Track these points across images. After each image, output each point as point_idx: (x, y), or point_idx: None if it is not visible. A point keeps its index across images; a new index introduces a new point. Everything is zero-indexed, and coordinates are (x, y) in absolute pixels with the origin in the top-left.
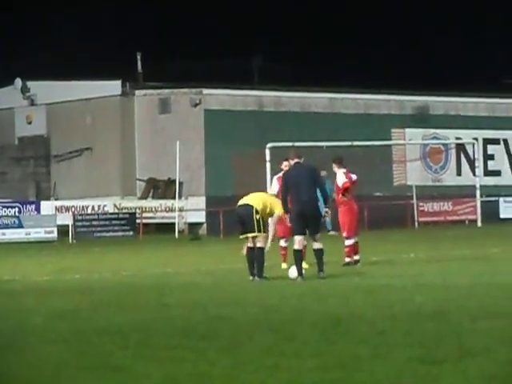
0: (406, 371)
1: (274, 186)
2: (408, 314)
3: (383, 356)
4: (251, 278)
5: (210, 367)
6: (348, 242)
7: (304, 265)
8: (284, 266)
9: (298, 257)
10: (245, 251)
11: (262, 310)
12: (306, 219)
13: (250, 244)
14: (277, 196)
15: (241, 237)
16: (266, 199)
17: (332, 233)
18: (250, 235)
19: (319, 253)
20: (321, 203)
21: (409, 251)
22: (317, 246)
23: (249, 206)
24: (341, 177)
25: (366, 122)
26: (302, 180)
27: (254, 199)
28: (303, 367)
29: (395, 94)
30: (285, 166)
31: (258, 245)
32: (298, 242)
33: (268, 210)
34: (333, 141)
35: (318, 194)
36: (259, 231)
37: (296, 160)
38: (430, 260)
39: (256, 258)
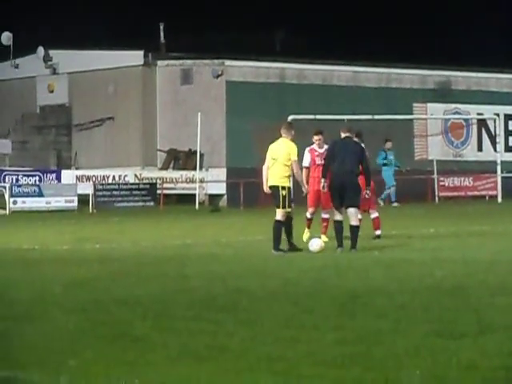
0: (424, 346)
1: (305, 157)
2: (427, 289)
3: (402, 330)
4: (274, 251)
5: (228, 339)
6: (374, 215)
7: (324, 238)
8: (324, 238)
9: (339, 227)
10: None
11: (281, 282)
12: (344, 191)
13: (279, 217)
14: (308, 168)
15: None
16: (286, 153)
17: (395, 204)
18: (278, 210)
19: (355, 229)
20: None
21: (429, 226)
22: (354, 222)
23: (275, 187)
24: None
25: (388, 95)
26: (347, 154)
27: (278, 172)
28: (322, 340)
29: (417, 69)
30: (316, 139)
31: (277, 218)
32: (338, 212)
33: (288, 157)
34: (354, 114)
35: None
36: (283, 207)
37: (347, 134)
38: (449, 235)
39: (274, 230)
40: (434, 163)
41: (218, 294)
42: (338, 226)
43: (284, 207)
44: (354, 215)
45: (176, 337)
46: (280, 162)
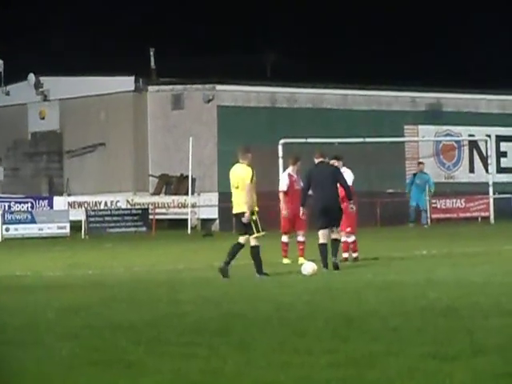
0: (418, 368)
1: (283, 181)
2: (421, 311)
3: (396, 353)
4: (258, 276)
5: (221, 363)
6: (352, 239)
7: (302, 260)
8: (286, 260)
9: (324, 250)
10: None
11: (274, 306)
12: (329, 214)
13: (242, 241)
14: (285, 192)
15: (241, 237)
16: (242, 178)
17: (411, 225)
18: (251, 237)
19: (336, 242)
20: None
21: (421, 248)
22: (335, 236)
23: (242, 214)
24: (349, 176)
25: (379, 118)
26: (325, 178)
27: (240, 200)
28: (315, 364)
29: (408, 91)
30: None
31: (252, 243)
32: (323, 235)
33: (245, 182)
34: (345, 137)
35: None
36: (258, 231)
37: (320, 159)
38: (442, 257)
39: (253, 256)
40: (426, 185)
41: (211, 319)
42: (323, 248)
43: (258, 231)
44: (335, 231)
45: (169, 362)
46: (242, 189)
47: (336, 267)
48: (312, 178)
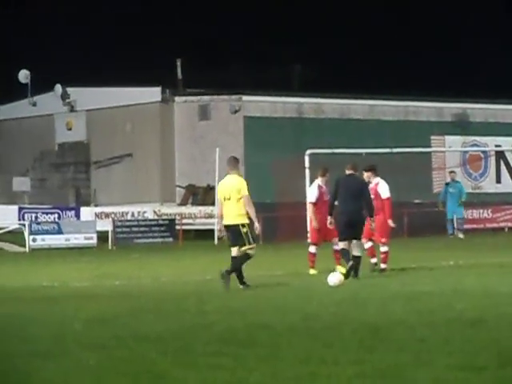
0: (445, 379)
1: (312, 192)
2: (448, 321)
3: (423, 363)
4: (242, 286)
5: (248, 374)
6: (385, 249)
7: (340, 269)
8: (312, 271)
9: (346, 253)
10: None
11: (300, 317)
12: (353, 227)
13: (234, 254)
14: (314, 203)
15: (233, 249)
16: (236, 189)
17: (451, 236)
18: (243, 248)
19: (357, 259)
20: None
21: (448, 258)
22: (356, 253)
23: (235, 226)
24: (384, 186)
25: (406, 128)
26: (352, 191)
27: (234, 210)
28: (342, 375)
29: (435, 101)
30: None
31: (233, 254)
32: (343, 244)
33: (240, 194)
34: (372, 148)
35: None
36: (249, 243)
37: (351, 171)
38: (469, 267)
39: (237, 261)
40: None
41: (237, 329)
42: (345, 252)
43: (250, 243)
44: (357, 247)
45: (196, 372)
46: (234, 200)
47: (347, 274)
48: (339, 188)
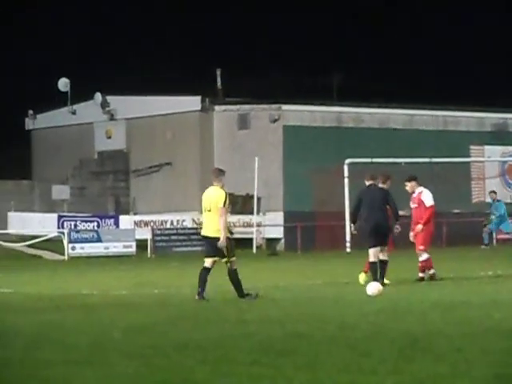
0: None
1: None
2: (486, 331)
3: (461, 374)
4: (197, 297)
5: (287, 383)
6: (424, 257)
7: (385, 281)
8: (386, 281)
9: (375, 268)
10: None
11: (339, 326)
12: (379, 234)
13: (208, 265)
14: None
15: (207, 259)
16: (215, 201)
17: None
18: (223, 260)
19: (385, 264)
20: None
21: (487, 269)
22: (383, 257)
23: (214, 239)
24: (428, 195)
25: (445, 138)
26: (375, 200)
27: (214, 223)
28: None
29: (474, 111)
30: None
31: (206, 265)
32: (374, 254)
33: (218, 205)
34: (411, 157)
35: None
36: (229, 256)
37: (371, 181)
38: (508, 277)
39: (232, 280)
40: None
41: (276, 339)
42: (374, 266)
43: (230, 256)
44: (383, 251)
45: (236, 382)
46: (213, 212)
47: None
48: (363, 199)
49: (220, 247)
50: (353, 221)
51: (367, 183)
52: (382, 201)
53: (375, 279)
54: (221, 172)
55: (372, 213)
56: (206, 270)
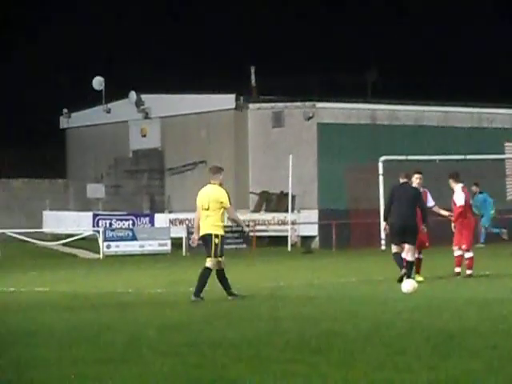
0: None
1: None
2: None
3: (496, 370)
4: (193, 298)
5: (322, 381)
6: (468, 255)
7: (419, 277)
8: (419, 278)
9: (398, 257)
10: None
11: (374, 324)
12: (405, 232)
13: (209, 265)
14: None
15: (208, 259)
16: (215, 200)
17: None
18: (208, 259)
19: (410, 264)
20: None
21: None
22: (410, 258)
23: (208, 236)
24: (459, 193)
25: (479, 135)
26: (406, 198)
27: (211, 221)
28: (416, 381)
29: (509, 108)
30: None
31: (207, 265)
32: (395, 247)
33: (220, 205)
34: (445, 154)
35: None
36: (215, 256)
37: (405, 180)
38: None
39: (201, 276)
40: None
41: (311, 337)
42: (397, 256)
43: (216, 256)
44: (410, 251)
45: (271, 379)
46: (211, 211)
47: (401, 279)
48: (394, 196)
49: (246, 233)
50: (384, 217)
51: (401, 181)
52: (413, 199)
53: (401, 266)
54: (219, 170)
55: (401, 211)
56: (209, 271)
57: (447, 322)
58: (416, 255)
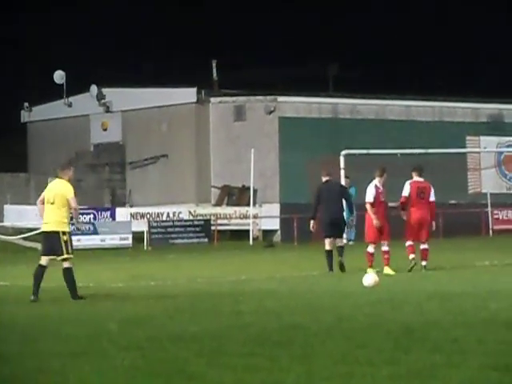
0: (479, 379)
1: (370, 193)
2: (482, 322)
3: (457, 364)
4: (32, 297)
5: (283, 375)
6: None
7: (390, 271)
8: (370, 270)
9: (330, 256)
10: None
11: (335, 317)
12: (335, 226)
13: (44, 263)
14: (372, 203)
15: (44, 257)
16: (61, 194)
17: (351, 243)
18: (58, 258)
19: (342, 248)
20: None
21: (483, 259)
22: (340, 243)
23: (55, 233)
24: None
25: (441, 129)
26: (332, 194)
27: (57, 217)
28: (377, 375)
29: (470, 102)
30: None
31: (66, 265)
32: (329, 243)
33: (67, 201)
34: (407, 148)
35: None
36: (67, 253)
37: (327, 178)
38: (504, 268)
39: (67, 279)
40: (488, 196)
41: (272, 330)
42: (329, 254)
43: (68, 253)
44: (340, 241)
45: (231, 373)
46: (57, 206)
47: (341, 265)
48: (321, 194)
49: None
50: (313, 216)
51: (324, 179)
52: (339, 194)
53: (330, 265)
54: (68, 165)
55: (329, 207)
56: (42, 267)
57: (409, 316)
58: (385, 248)
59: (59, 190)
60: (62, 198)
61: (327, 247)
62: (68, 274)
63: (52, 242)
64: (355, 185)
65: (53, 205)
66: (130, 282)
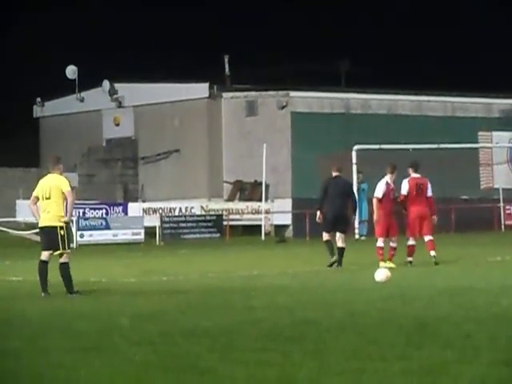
0: (491, 375)
1: (380, 188)
2: (494, 317)
3: (468, 360)
4: (43, 294)
5: (295, 370)
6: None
7: (391, 264)
8: (382, 264)
9: (330, 244)
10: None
11: (347, 313)
12: (337, 221)
13: (45, 258)
14: (380, 199)
15: (44, 253)
16: (56, 188)
17: (363, 238)
18: (55, 253)
19: (342, 250)
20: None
21: (495, 254)
22: (340, 244)
23: (52, 228)
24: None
25: (453, 124)
26: (337, 190)
27: (53, 211)
28: (389, 371)
29: (482, 97)
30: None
31: (62, 260)
32: (326, 235)
33: (62, 194)
34: (419, 143)
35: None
36: (64, 248)
37: (337, 173)
38: None
39: (63, 274)
40: (500, 192)
41: (284, 325)
42: (329, 243)
43: (64, 248)
44: (341, 239)
45: (243, 368)
46: (54, 200)
47: (331, 265)
48: (328, 188)
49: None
50: (320, 209)
51: (334, 174)
52: (345, 191)
53: (331, 252)
54: (57, 159)
55: (334, 202)
56: (44, 263)
57: (420, 311)
58: (392, 244)
59: (54, 183)
60: (58, 191)
61: (325, 238)
62: (64, 268)
63: (50, 236)
64: (367, 180)
65: (49, 199)
66: (142, 277)
